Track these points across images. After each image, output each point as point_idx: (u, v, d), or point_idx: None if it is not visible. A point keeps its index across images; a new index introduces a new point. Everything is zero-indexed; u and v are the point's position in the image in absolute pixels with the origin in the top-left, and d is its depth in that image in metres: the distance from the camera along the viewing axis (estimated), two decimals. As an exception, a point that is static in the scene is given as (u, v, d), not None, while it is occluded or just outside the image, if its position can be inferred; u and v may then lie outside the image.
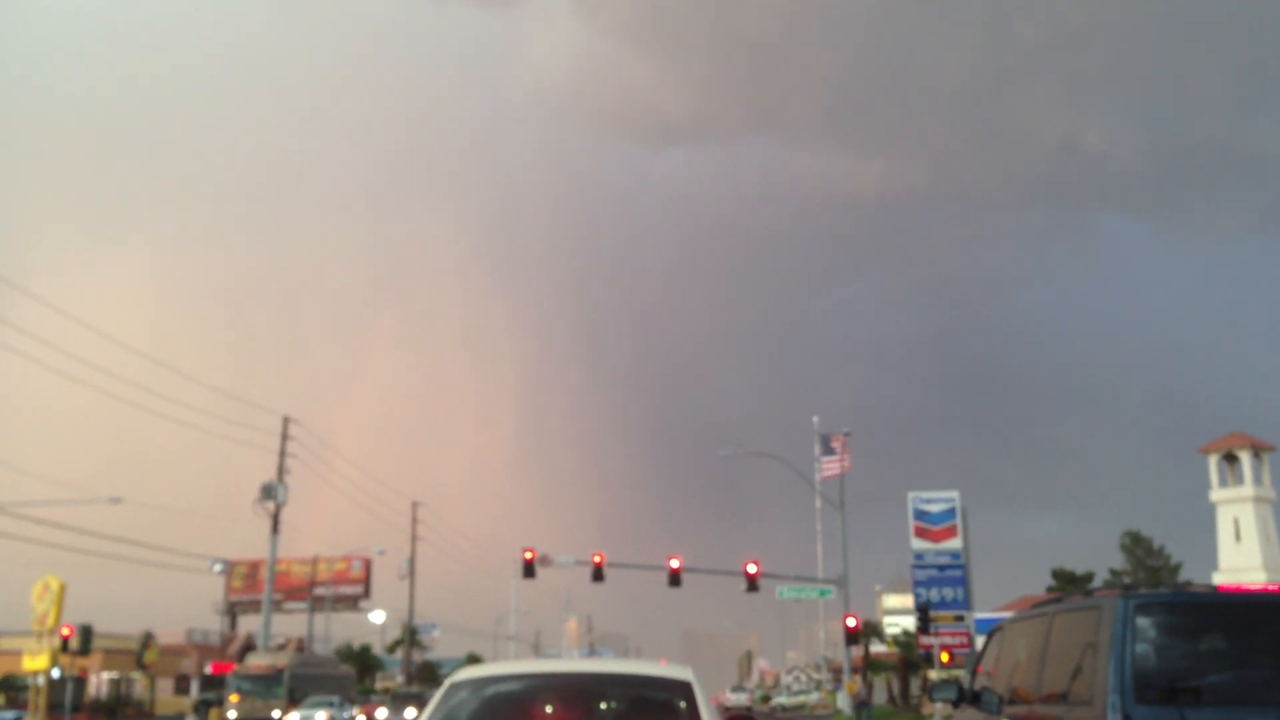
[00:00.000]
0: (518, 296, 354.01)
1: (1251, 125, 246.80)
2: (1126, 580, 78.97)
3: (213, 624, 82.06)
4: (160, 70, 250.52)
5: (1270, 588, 8.25)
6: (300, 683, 46.82)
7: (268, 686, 45.39)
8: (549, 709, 6.74)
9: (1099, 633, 7.40)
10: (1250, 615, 7.57)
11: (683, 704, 6.45)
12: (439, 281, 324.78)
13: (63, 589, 43.46)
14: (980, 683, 10.08)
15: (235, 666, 50.91)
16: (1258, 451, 57.81)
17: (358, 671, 77.78)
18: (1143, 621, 7.25)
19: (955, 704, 10.37)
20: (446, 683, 6.77)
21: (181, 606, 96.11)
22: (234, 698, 46.02)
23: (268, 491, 46.30)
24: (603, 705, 6.89)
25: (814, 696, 64.90)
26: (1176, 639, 7.37)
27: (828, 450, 53.61)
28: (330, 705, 45.12)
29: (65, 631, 41.17)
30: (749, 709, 68.18)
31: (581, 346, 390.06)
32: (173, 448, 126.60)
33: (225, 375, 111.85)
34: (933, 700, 13.62)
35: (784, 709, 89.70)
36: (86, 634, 42.05)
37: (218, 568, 59.28)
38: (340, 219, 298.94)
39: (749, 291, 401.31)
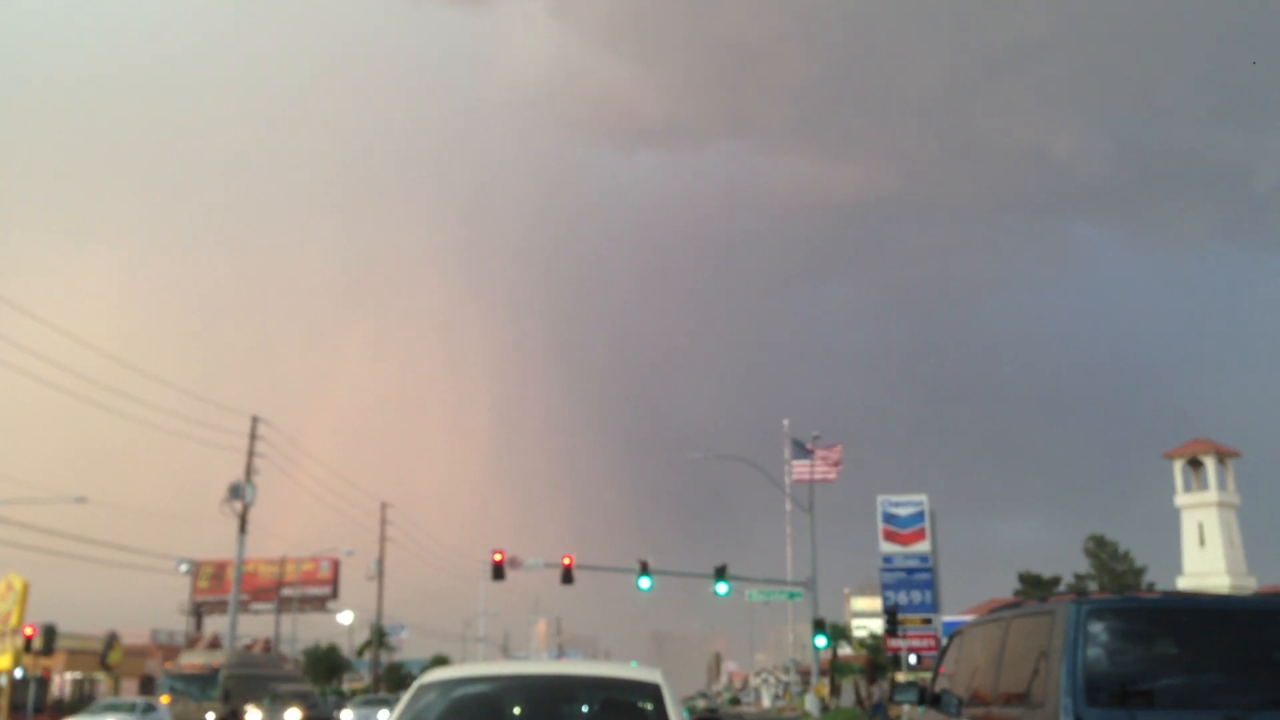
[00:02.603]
0: (491, 298, 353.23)
1: (1218, 134, 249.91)
2: (1090, 584, 79.83)
3: (178, 625, 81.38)
4: (128, 70, 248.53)
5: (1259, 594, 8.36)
6: (239, 684, 43.82)
7: (202, 687, 42.23)
8: (518, 710, 6.71)
9: (1052, 638, 7.63)
10: (1199, 621, 7.81)
11: (651, 706, 6.50)
12: (411, 282, 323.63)
13: (26, 588, 42.99)
14: (941, 685, 10.29)
15: (168, 665, 48.02)
16: (1222, 457, 58.51)
17: (325, 673, 77.37)
18: (1094, 627, 7.49)
19: (919, 705, 10.60)
20: (415, 684, 6.71)
21: (147, 607, 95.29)
22: (165, 699, 42.58)
23: (235, 491, 45.88)
24: (573, 707, 6.90)
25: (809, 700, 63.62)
26: (1127, 644, 7.60)
27: (799, 453, 53.70)
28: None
29: (28, 631, 40.63)
30: (714, 710, 68.20)
31: (554, 349, 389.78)
32: (140, 448, 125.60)
33: (195, 377, 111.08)
34: (894, 702, 13.87)
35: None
36: (50, 634, 41.55)
37: (184, 568, 58.67)
38: (312, 220, 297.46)
39: (721, 296, 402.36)
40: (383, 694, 57.09)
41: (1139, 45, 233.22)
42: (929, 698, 10.40)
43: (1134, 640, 7.63)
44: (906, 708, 39.87)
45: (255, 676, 46.32)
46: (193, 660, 46.34)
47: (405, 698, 6.52)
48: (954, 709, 9.49)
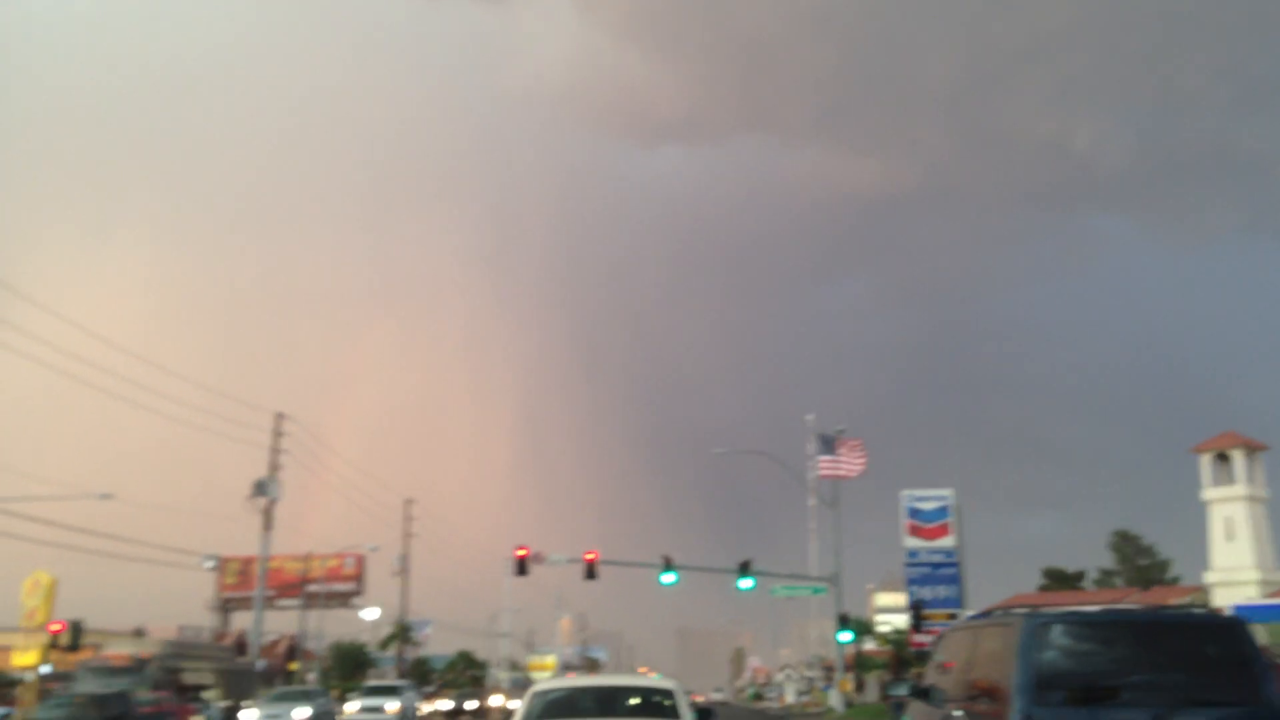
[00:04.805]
0: (515, 295, 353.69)
1: (1240, 124, 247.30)
2: (1116, 580, 79.27)
3: (206, 621, 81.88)
4: (151, 64, 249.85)
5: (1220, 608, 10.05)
6: (172, 675, 40.18)
7: (131, 680, 37.37)
8: (588, 704, 11.49)
9: (1010, 645, 8.99)
10: (1133, 632, 9.18)
11: (668, 703, 11.41)
12: (436, 278, 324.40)
13: (53, 585, 43.40)
14: (929, 681, 11.75)
15: (89, 655, 43.21)
16: (1250, 451, 57.83)
17: (350, 669, 77.65)
18: (1044, 638, 8.86)
19: (911, 699, 12.39)
20: (530, 692, 11.72)
21: (175, 603, 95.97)
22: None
23: (259, 488, 46.11)
24: (622, 704, 11.62)
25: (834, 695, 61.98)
26: (1072, 653, 8.90)
27: (825, 449, 53.45)
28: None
29: (55, 627, 41.00)
30: (709, 706, 67.97)
31: (578, 345, 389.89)
32: (167, 445, 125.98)
33: (221, 377, 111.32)
34: (886, 696, 18.34)
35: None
36: (76, 630, 41.87)
37: (209, 564, 58.86)
38: (337, 219, 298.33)
39: (744, 291, 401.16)
40: (308, 687, 48.85)
41: (1159, 36, 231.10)
42: (918, 692, 11.97)
43: (1078, 649, 8.94)
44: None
45: (196, 670, 42.25)
46: (119, 650, 41.84)
47: (525, 699, 11.51)
48: (940, 703, 10.85)
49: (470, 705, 63.21)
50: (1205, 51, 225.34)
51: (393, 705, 41.59)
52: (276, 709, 35.81)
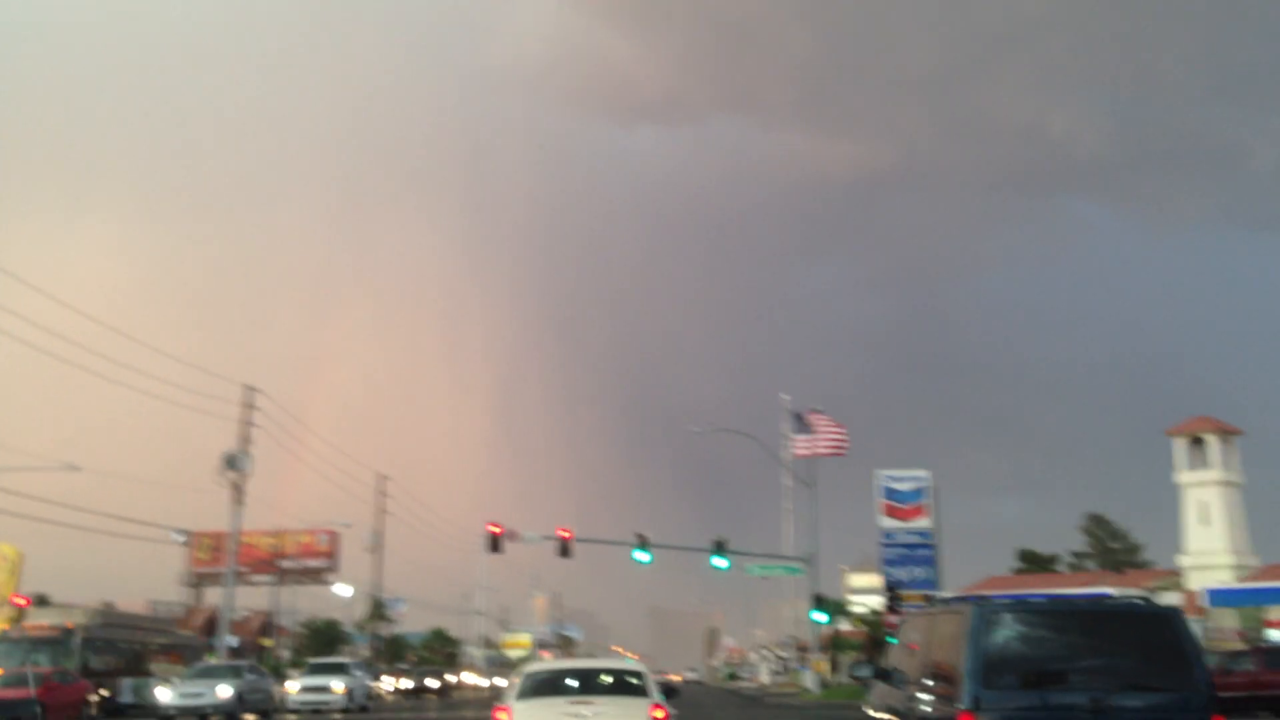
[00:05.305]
0: (490, 274, 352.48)
1: (1216, 112, 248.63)
2: (1088, 563, 79.58)
3: (178, 596, 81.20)
4: (127, 37, 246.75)
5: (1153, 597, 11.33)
6: (104, 650, 36.26)
7: (53, 655, 33.78)
8: (571, 683, 13.72)
9: (961, 632, 9.65)
10: (1074, 620, 9.83)
11: (637, 682, 13.66)
12: (411, 258, 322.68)
13: (19, 558, 42.74)
14: (891, 663, 12.57)
15: (3, 628, 39.84)
16: (1225, 435, 58.07)
17: (325, 646, 77.12)
18: (994, 625, 9.50)
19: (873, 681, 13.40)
20: (523, 672, 14.21)
21: (146, 578, 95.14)
22: None
23: (230, 461, 45.44)
24: (598, 680, 13.95)
25: (808, 676, 60.78)
26: (1019, 639, 9.53)
27: (799, 428, 53.17)
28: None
29: (21, 601, 40.40)
30: (672, 685, 67.91)
31: (553, 324, 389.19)
32: (141, 419, 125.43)
33: (197, 350, 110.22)
34: (853, 678, 18.21)
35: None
36: (42, 604, 41.33)
37: (179, 538, 58.03)
38: (313, 192, 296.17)
39: (720, 271, 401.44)
40: (235, 661, 40.98)
41: (1136, 23, 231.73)
42: (880, 674, 12.88)
43: (1025, 636, 9.57)
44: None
45: (127, 641, 38.54)
46: (41, 620, 37.71)
47: (519, 677, 13.84)
48: (901, 684, 11.61)
49: (432, 683, 60.60)
50: (1183, 39, 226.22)
51: (339, 685, 38.46)
52: (196, 687, 31.56)
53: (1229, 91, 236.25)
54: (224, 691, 30.94)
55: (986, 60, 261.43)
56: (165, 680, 34.43)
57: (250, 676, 33.63)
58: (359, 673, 41.94)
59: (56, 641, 34.40)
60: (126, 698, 34.97)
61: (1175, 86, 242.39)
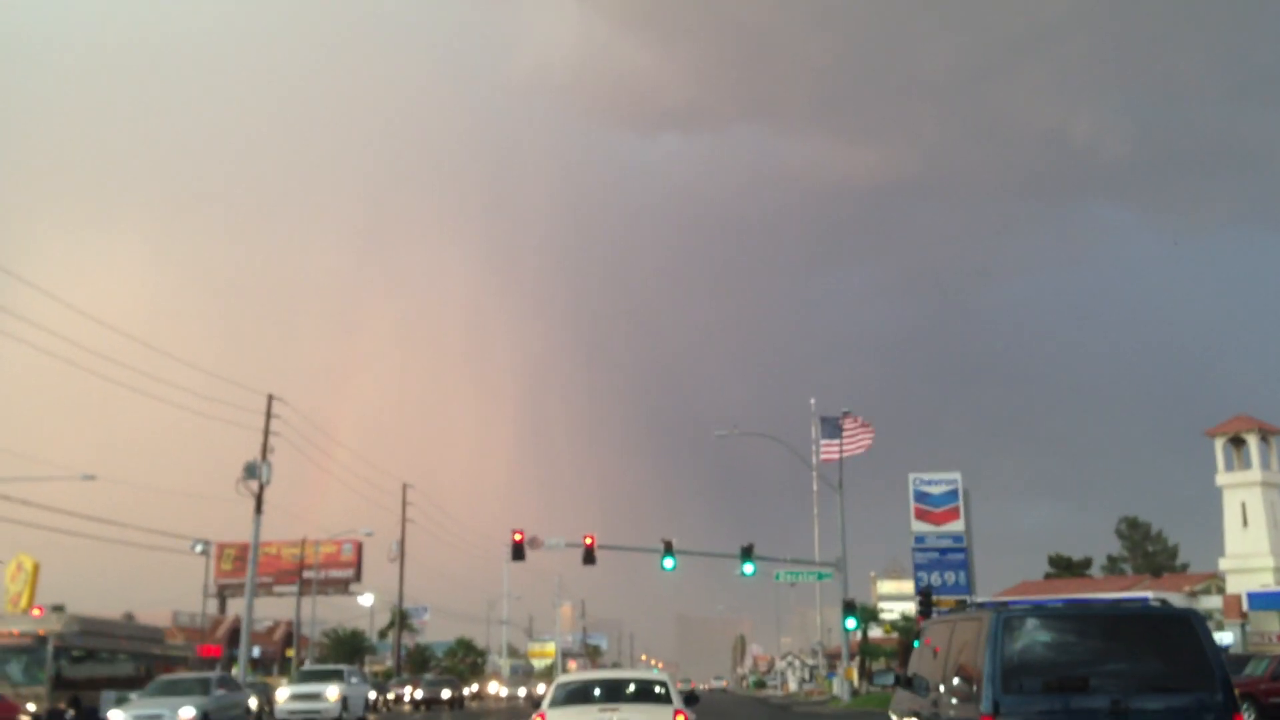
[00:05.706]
0: (516, 284, 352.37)
1: (1240, 114, 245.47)
2: (1124, 566, 78.25)
3: (202, 607, 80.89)
4: (153, 49, 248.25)
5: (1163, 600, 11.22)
6: (79, 661, 34.04)
7: (23, 666, 31.55)
8: (599, 691, 14.87)
9: (981, 637, 9.72)
10: (1093, 625, 9.90)
11: (661, 691, 14.73)
12: (437, 269, 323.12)
13: (36, 569, 42.27)
14: (912, 669, 12.64)
15: None
16: (1265, 435, 56.61)
17: (348, 655, 76.56)
18: (1012, 630, 9.56)
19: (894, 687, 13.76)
20: (555, 682, 15.66)
21: (172, 589, 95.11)
22: None
23: (251, 470, 44.84)
24: (625, 689, 15.02)
25: (838, 684, 58.90)
26: (1038, 644, 9.62)
27: (829, 433, 52.16)
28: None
29: (37, 612, 39.84)
30: (693, 691, 66.91)
31: (579, 333, 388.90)
32: (167, 430, 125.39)
33: (222, 361, 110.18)
34: (874, 684, 18.56)
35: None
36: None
37: (199, 549, 57.50)
38: (338, 208, 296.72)
39: (744, 278, 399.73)
40: (205, 674, 34.14)
41: (1158, 26, 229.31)
42: (903, 681, 12.98)
43: (1044, 640, 9.66)
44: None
45: (108, 650, 36.04)
46: (10, 627, 34.21)
47: (551, 688, 15.23)
48: (923, 690, 11.75)
49: (445, 694, 56.45)
50: (1205, 42, 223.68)
51: (332, 693, 34.86)
52: (153, 707, 27.04)
53: (1253, 94, 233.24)
54: (185, 713, 26.63)
55: (1008, 65, 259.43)
56: (121, 700, 30.35)
57: (219, 692, 29.48)
58: (355, 680, 38.84)
59: (28, 650, 32.21)
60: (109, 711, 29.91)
61: (1198, 88, 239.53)
